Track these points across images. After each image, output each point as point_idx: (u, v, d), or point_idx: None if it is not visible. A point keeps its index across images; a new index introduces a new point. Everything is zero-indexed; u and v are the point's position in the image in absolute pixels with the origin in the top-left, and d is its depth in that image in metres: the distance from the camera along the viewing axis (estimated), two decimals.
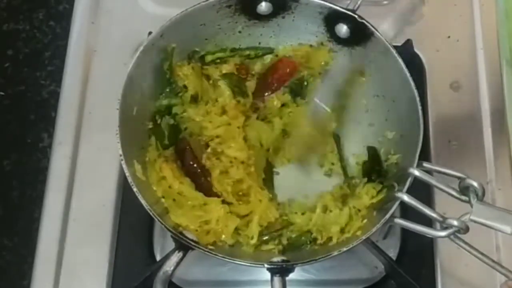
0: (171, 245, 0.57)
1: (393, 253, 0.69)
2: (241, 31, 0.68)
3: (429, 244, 0.69)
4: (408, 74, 0.61)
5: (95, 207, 0.70)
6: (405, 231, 0.70)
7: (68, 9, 0.82)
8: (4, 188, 0.76)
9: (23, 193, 0.76)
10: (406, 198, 0.54)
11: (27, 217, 0.73)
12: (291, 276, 0.56)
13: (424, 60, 0.78)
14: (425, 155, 0.69)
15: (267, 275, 0.55)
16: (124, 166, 0.57)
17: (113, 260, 0.68)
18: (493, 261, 0.53)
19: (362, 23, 0.63)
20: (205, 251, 0.55)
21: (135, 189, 0.56)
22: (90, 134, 0.74)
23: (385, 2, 0.81)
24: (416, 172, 0.55)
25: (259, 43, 0.70)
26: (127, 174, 0.57)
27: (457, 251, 0.67)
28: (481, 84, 0.77)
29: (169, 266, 0.53)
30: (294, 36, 0.69)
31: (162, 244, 0.69)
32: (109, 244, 0.69)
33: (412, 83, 0.61)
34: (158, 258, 0.69)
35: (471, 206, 0.51)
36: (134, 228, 0.70)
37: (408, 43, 0.75)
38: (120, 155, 0.57)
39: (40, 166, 0.75)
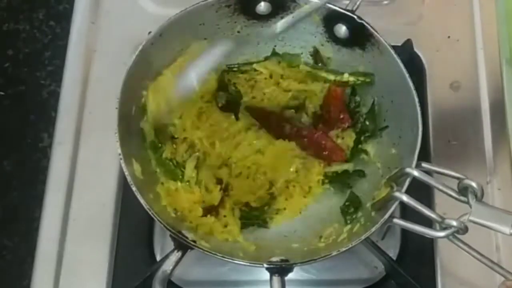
0: (171, 245, 0.57)
1: (393, 253, 0.69)
2: (239, 31, 0.68)
3: (429, 244, 0.69)
4: (406, 75, 0.61)
5: (95, 207, 0.70)
6: (405, 231, 0.70)
7: (68, 9, 0.82)
8: (4, 188, 0.76)
9: (23, 193, 0.76)
10: (405, 198, 0.53)
11: (27, 217, 0.73)
12: (291, 276, 0.56)
13: (424, 60, 0.78)
14: (424, 155, 0.69)
15: (267, 275, 0.55)
16: (123, 165, 0.57)
17: (113, 260, 0.68)
18: (491, 261, 0.53)
19: (361, 23, 0.63)
20: (204, 250, 0.55)
21: (133, 188, 0.56)
22: (90, 134, 0.74)
23: (385, 2, 0.81)
24: (415, 173, 0.54)
25: (258, 43, 0.70)
26: (126, 173, 0.57)
27: (457, 251, 0.67)
28: (481, 84, 0.77)
29: (167, 266, 0.53)
30: (292, 36, 0.69)
31: (162, 244, 0.69)
32: (109, 244, 0.69)
33: (411, 84, 0.60)
34: (158, 258, 0.68)
35: (470, 206, 0.51)
36: (134, 228, 0.70)
37: (408, 43, 0.74)
38: (119, 154, 0.57)
39: (40, 166, 0.76)
